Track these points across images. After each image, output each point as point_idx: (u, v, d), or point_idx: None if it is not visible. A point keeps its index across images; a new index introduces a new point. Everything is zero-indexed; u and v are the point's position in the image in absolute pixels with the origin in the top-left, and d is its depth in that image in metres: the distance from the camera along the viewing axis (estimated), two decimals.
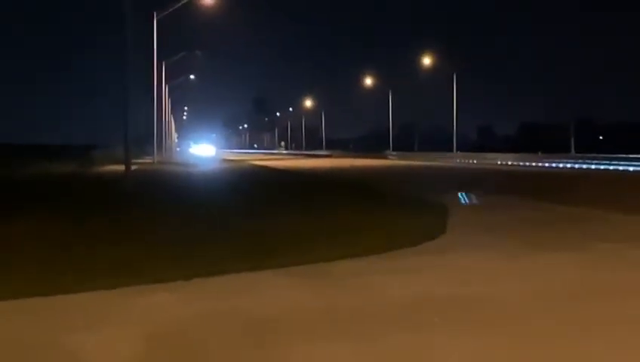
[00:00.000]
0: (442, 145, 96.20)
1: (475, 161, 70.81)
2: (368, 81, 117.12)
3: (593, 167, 53.50)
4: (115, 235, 14.13)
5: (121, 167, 35.26)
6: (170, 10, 58.88)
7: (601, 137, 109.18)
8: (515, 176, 43.67)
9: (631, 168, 49.57)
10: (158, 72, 69.94)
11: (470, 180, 38.82)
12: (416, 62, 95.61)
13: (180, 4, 56.43)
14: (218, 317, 7.91)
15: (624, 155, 54.96)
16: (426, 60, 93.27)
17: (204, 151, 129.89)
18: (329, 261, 11.34)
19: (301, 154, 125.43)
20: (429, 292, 9.13)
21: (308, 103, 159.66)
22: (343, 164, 64.82)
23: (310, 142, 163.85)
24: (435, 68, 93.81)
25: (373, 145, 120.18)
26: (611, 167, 51.63)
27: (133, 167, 36.66)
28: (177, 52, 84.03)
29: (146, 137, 75.65)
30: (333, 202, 22.07)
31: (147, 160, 66.60)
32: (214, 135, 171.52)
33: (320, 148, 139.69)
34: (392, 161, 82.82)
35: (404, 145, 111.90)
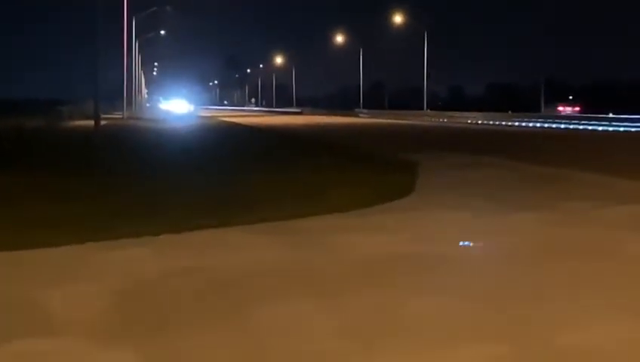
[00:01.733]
0: (413, 103, 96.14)
1: (445, 120, 70.94)
2: (339, 39, 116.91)
3: (562, 126, 53.78)
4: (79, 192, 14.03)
5: (91, 123, 35.20)
6: None
7: (570, 97, 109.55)
8: (485, 134, 43.81)
9: (600, 128, 49.86)
10: (128, 27, 69.47)
11: (440, 138, 38.92)
12: (388, 20, 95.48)
13: None
14: (186, 274, 7.84)
15: (594, 115, 55.34)
16: (398, 19, 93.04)
17: (176, 107, 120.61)
18: (300, 218, 11.32)
19: (271, 112, 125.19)
20: (395, 250, 9.11)
21: (279, 60, 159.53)
22: (313, 122, 64.82)
23: (280, 100, 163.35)
24: (406, 27, 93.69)
25: (344, 102, 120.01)
26: (580, 127, 51.89)
27: (102, 122, 36.59)
28: (149, 7, 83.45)
29: (115, 93, 75.23)
30: (304, 160, 22.06)
31: (117, 115, 66.24)
32: (184, 90, 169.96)
33: (290, 105, 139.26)
34: (363, 118, 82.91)
35: (374, 103, 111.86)
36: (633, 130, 47.30)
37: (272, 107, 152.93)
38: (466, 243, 9.84)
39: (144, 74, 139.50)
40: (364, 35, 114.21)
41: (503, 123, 60.93)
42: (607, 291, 7.23)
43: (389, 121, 71.44)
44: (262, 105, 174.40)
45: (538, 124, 57.08)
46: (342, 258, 8.71)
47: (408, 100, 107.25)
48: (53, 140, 31.00)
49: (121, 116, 65.70)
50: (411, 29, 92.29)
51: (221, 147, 30.37)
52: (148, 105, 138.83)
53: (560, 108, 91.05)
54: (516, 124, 59.06)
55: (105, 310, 6.58)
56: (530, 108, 75.62)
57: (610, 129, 49.12)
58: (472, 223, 11.21)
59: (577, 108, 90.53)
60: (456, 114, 74.06)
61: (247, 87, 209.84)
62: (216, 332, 5.93)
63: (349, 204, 12.54)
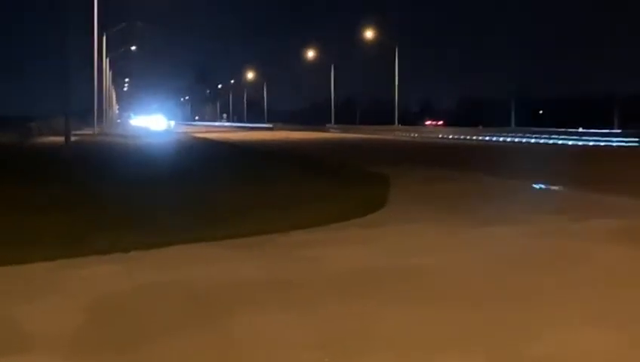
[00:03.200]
0: (384, 118, 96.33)
1: (415, 135, 71.15)
2: (311, 55, 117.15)
3: (533, 140, 54.10)
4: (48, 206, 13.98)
5: (61, 139, 34.92)
6: None
7: (540, 111, 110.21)
8: (455, 149, 44.02)
9: (570, 142, 50.23)
10: (99, 43, 69.31)
11: (411, 153, 39.07)
12: (359, 36, 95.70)
13: None
14: (159, 290, 7.87)
15: (563, 129, 55.72)
16: (369, 34, 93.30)
17: (154, 123, 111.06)
18: (276, 233, 11.34)
19: (243, 127, 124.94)
20: (370, 263, 9.18)
21: (250, 76, 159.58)
22: (283, 137, 64.77)
23: (252, 115, 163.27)
24: (378, 43, 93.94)
25: (316, 117, 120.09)
26: (550, 141, 52.25)
27: (73, 138, 36.38)
28: (120, 22, 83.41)
29: (85, 108, 75.00)
30: (278, 176, 22.12)
31: (87, 132, 65.99)
32: (155, 106, 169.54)
33: (262, 120, 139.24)
34: (334, 134, 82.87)
35: (346, 119, 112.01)
36: (602, 143, 47.72)
37: (243, 122, 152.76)
38: None
39: (115, 89, 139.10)
40: (335, 51, 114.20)
41: (474, 138, 61.24)
42: (576, 300, 7.32)
43: (360, 136, 71.50)
44: (233, 121, 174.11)
45: (508, 139, 57.45)
46: (317, 271, 8.77)
47: (380, 115, 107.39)
48: (24, 157, 30.86)
49: (92, 132, 65.49)
50: (383, 44, 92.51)
51: (193, 162, 30.34)
52: (119, 121, 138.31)
53: (427, 123, 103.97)
54: (487, 138, 59.41)
55: (80, 325, 6.58)
56: (500, 122, 75.97)
57: (580, 143, 49.50)
58: (444, 236, 11.29)
59: (441, 123, 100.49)
60: (429, 129, 74.39)
61: (218, 103, 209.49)
62: (190, 342, 5.98)
63: (326, 218, 12.61)
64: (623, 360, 5.70)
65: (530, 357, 5.67)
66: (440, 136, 66.84)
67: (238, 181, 20.18)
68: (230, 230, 11.30)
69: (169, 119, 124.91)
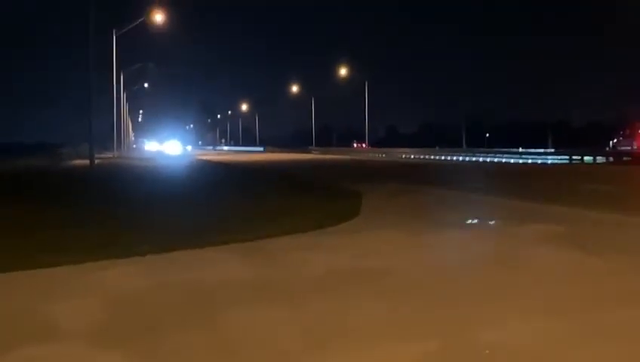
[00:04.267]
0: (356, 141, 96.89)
1: (383, 155, 71.38)
2: (294, 89, 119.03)
3: (481, 159, 54.43)
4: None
5: (86, 161, 35.17)
6: (128, 28, 58.77)
7: (487, 134, 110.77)
8: (417, 166, 44.18)
9: (512, 160, 50.57)
10: (117, 81, 69.37)
11: (380, 171, 39.15)
12: (335, 72, 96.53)
13: (136, 22, 56.55)
14: (169, 288, 7.87)
15: (506, 149, 56.13)
16: (343, 71, 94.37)
17: (170, 148, 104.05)
18: (263, 238, 11.33)
19: (239, 151, 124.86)
20: (346, 265, 9.18)
21: (244, 107, 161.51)
22: (274, 158, 64.86)
23: (246, 140, 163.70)
24: (351, 77, 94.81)
25: (300, 141, 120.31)
26: (496, 159, 52.57)
27: (96, 161, 36.76)
28: (135, 62, 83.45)
29: (105, 135, 74.95)
30: (267, 189, 22.14)
31: (108, 155, 65.90)
32: (166, 133, 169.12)
33: (254, 144, 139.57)
34: (315, 155, 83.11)
35: (324, 142, 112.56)
36: (539, 161, 48.07)
37: (239, 146, 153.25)
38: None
39: (131, 119, 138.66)
40: (315, 85, 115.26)
41: (432, 157, 61.53)
42: (518, 296, 7.36)
43: (337, 156, 71.64)
44: (231, 145, 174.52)
45: (461, 158, 57.81)
46: (300, 272, 8.78)
47: (353, 138, 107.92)
48: (60, 176, 31.02)
49: (112, 155, 65.47)
50: (355, 79, 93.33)
51: (198, 180, 30.34)
52: (134, 146, 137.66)
53: (355, 145, 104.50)
54: (442, 158, 59.72)
55: (101, 318, 6.58)
56: (455, 143, 76.49)
57: (521, 161, 49.87)
58: (408, 240, 11.31)
59: (364, 145, 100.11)
60: (394, 150, 74.68)
61: (217, 130, 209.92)
62: (197, 332, 6.00)
63: (305, 226, 12.60)
64: (563, 347, 5.73)
65: (481, 342, 5.70)
66: (403, 156, 67.01)
67: (239, 195, 20.16)
68: (229, 236, 11.32)
69: (185, 145, 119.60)
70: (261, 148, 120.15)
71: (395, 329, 6.11)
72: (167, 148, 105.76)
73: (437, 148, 70.51)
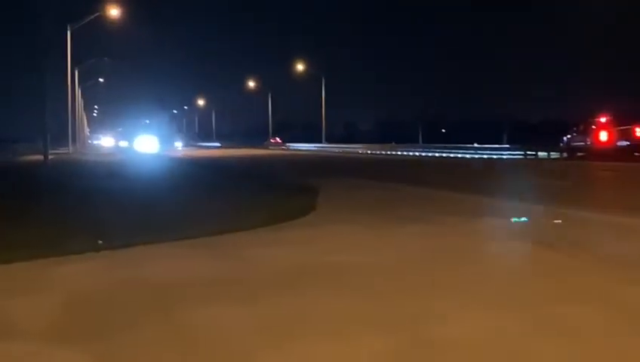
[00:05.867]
0: (314, 137, 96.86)
1: (340, 150, 71.62)
2: (251, 84, 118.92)
3: (437, 154, 54.84)
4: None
5: (40, 157, 34.92)
6: (83, 22, 58.27)
7: (443, 130, 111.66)
8: (372, 162, 44.36)
9: (467, 155, 50.99)
10: (72, 76, 68.67)
11: (335, 165, 39.24)
12: (291, 67, 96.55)
13: (91, 17, 56.15)
14: (124, 285, 7.78)
15: (462, 145, 56.59)
16: (300, 67, 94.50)
17: (144, 146, 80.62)
18: (219, 234, 11.28)
19: (195, 146, 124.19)
20: (303, 260, 9.18)
21: (201, 102, 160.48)
22: (230, 154, 64.64)
23: (203, 135, 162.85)
24: (308, 73, 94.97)
25: (257, 136, 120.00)
26: (452, 155, 53.00)
27: (50, 157, 36.50)
28: (90, 58, 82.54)
29: (60, 131, 74.16)
30: (224, 185, 22.05)
31: (63, 151, 65.31)
32: (120, 129, 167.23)
33: (211, 140, 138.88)
34: (272, 150, 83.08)
35: (281, 137, 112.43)
36: (495, 157, 48.52)
37: (195, 142, 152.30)
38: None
39: (86, 115, 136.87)
40: (273, 80, 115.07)
41: (388, 152, 61.83)
42: (478, 291, 7.42)
43: (293, 152, 71.67)
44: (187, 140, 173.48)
45: (417, 153, 58.25)
46: (257, 267, 8.74)
47: (312, 133, 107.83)
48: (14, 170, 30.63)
49: (67, 151, 64.90)
50: (312, 75, 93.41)
51: (149, 173, 30.10)
52: (90, 141, 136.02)
53: (272, 140, 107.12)
54: (399, 153, 60.08)
55: (56, 316, 6.49)
56: (411, 140, 77.04)
57: (477, 156, 50.31)
58: (365, 236, 11.33)
59: (279, 140, 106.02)
60: (352, 145, 75.03)
61: (174, 125, 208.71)
62: (151, 331, 5.94)
63: (264, 221, 12.57)
64: (517, 338, 5.78)
65: (439, 337, 5.72)
66: (360, 151, 67.27)
67: (201, 191, 20.04)
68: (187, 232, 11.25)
69: (165, 140, 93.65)
70: (218, 144, 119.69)
71: (351, 324, 6.08)
72: (140, 145, 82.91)
73: (393, 143, 70.74)
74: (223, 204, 15.85)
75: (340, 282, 7.85)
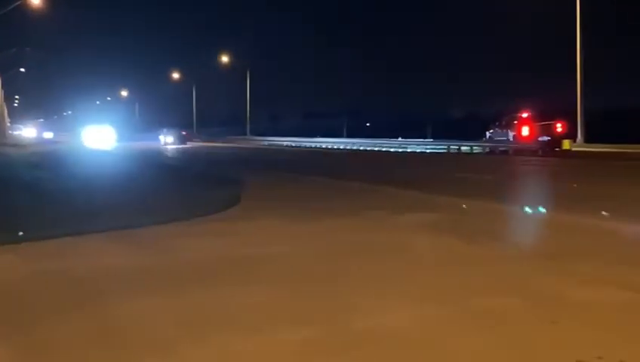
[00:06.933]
0: (240, 129, 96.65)
1: (266, 143, 71.57)
2: (176, 76, 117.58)
3: (362, 148, 55.19)
4: None
5: None
6: (4, 11, 56.92)
7: (368, 124, 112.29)
8: (296, 153, 44.45)
9: (392, 149, 51.43)
10: None
11: (261, 158, 39.22)
12: (218, 60, 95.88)
13: (13, 5, 54.85)
14: (46, 277, 7.70)
15: (386, 139, 57.15)
16: (225, 59, 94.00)
17: (97, 140, 66.61)
18: (140, 227, 11.24)
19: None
20: (227, 252, 9.21)
21: (124, 93, 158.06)
22: (153, 147, 63.92)
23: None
24: (232, 66, 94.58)
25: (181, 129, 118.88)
26: (376, 148, 53.39)
27: None
28: (11, 47, 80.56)
29: None
30: (148, 180, 21.89)
31: None
32: (42, 120, 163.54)
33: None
34: (197, 143, 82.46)
35: (206, 130, 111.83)
36: (419, 150, 49.07)
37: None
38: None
39: (6, 105, 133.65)
40: (197, 73, 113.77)
41: (316, 145, 62.10)
42: (399, 283, 7.56)
43: (218, 145, 71.25)
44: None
45: (342, 146, 58.61)
46: (179, 259, 8.75)
47: (237, 126, 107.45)
48: None
49: None
50: (237, 68, 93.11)
51: (66, 161, 29.60)
52: (11, 132, 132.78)
53: (183, 132, 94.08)
54: (324, 145, 60.41)
55: None
56: (338, 133, 77.57)
57: (400, 150, 50.80)
58: (288, 228, 11.41)
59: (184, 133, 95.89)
60: (278, 138, 75.05)
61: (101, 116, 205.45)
62: (74, 322, 5.91)
63: (187, 214, 12.54)
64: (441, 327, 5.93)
65: (359, 327, 5.81)
66: (285, 144, 67.41)
67: (112, 185, 19.81)
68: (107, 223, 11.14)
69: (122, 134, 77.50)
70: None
71: (273, 315, 6.16)
72: (92, 138, 68.51)
73: (318, 137, 70.84)
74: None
75: (259, 273, 7.91)
